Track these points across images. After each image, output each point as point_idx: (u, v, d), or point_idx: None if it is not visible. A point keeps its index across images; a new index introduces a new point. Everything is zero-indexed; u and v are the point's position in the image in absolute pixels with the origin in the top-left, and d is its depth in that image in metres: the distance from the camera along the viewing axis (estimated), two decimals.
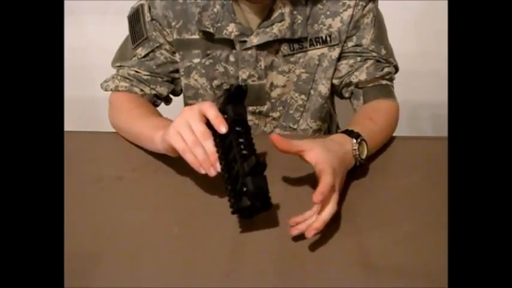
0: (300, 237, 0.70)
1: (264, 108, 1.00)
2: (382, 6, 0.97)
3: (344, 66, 0.96)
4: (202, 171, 0.71)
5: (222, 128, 0.71)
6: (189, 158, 0.72)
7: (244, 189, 0.67)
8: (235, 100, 0.74)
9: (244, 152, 0.70)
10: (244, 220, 0.72)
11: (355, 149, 0.78)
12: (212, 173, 0.71)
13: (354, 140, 0.78)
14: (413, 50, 1.54)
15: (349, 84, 0.96)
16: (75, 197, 0.78)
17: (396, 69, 0.99)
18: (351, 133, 0.80)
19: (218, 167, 0.71)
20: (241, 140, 0.71)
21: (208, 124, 0.72)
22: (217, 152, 0.71)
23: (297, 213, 0.74)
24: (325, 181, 0.67)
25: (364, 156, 0.80)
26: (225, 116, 0.73)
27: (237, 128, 0.72)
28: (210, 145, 0.71)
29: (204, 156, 0.71)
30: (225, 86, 0.98)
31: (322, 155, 0.71)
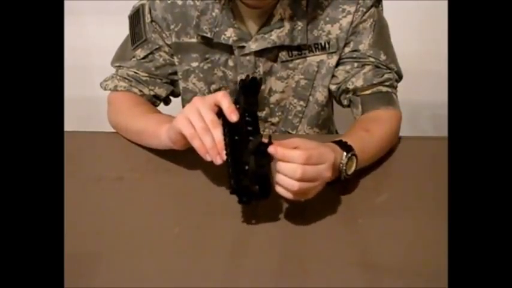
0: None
1: (263, 114, 1.00)
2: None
3: (341, 72, 0.94)
4: (208, 158, 0.71)
5: (233, 117, 0.70)
6: (196, 144, 0.71)
7: (246, 167, 0.67)
8: (248, 91, 0.74)
9: (250, 138, 0.70)
10: (244, 220, 0.72)
11: (342, 163, 0.73)
12: (218, 161, 0.70)
13: (345, 153, 0.73)
14: (414, 50, 1.54)
15: (347, 91, 0.93)
16: (75, 197, 0.78)
17: (399, 75, 0.95)
18: (343, 145, 0.75)
19: (224, 156, 0.70)
20: (249, 128, 0.71)
21: (218, 115, 0.72)
22: (224, 140, 0.71)
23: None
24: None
25: (350, 172, 0.75)
26: (237, 106, 0.72)
27: (247, 118, 0.72)
28: (218, 133, 0.70)
29: (212, 144, 0.70)
30: (224, 88, 0.98)
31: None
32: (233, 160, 0.70)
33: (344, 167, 0.73)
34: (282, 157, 0.67)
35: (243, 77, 0.94)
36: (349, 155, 0.74)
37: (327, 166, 0.68)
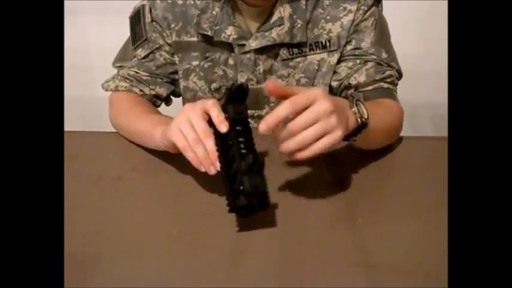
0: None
1: (263, 112, 1.00)
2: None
3: (343, 68, 0.94)
4: (202, 169, 0.71)
5: (223, 128, 0.71)
6: (189, 155, 0.71)
7: (241, 187, 0.67)
8: (236, 99, 0.74)
9: (243, 150, 0.70)
10: (244, 220, 0.72)
11: (354, 109, 0.72)
12: (212, 171, 0.71)
13: (353, 101, 0.73)
14: (414, 50, 1.54)
15: (349, 86, 0.94)
16: (75, 197, 0.78)
17: (399, 73, 0.96)
18: (347, 97, 0.75)
19: (218, 166, 0.71)
20: (240, 139, 0.72)
21: (210, 122, 0.72)
22: (217, 150, 0.71)
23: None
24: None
25: (365, 116, 0.73)
26: (226, 115, 0.73)
27: (237, 127, 0.72)
28: (210, 143, 0.71)
29: (205, 155, 0.70)
30: (224, 89, 0.98)
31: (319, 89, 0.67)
32: (227, 177, 0.70)
33: (357, 111, 0.72)
34: (274, 124, 0.65)
35: (243, 77, 0.94)
36: (355, 100, 0.73)
37: (322, 97, 0.65)
